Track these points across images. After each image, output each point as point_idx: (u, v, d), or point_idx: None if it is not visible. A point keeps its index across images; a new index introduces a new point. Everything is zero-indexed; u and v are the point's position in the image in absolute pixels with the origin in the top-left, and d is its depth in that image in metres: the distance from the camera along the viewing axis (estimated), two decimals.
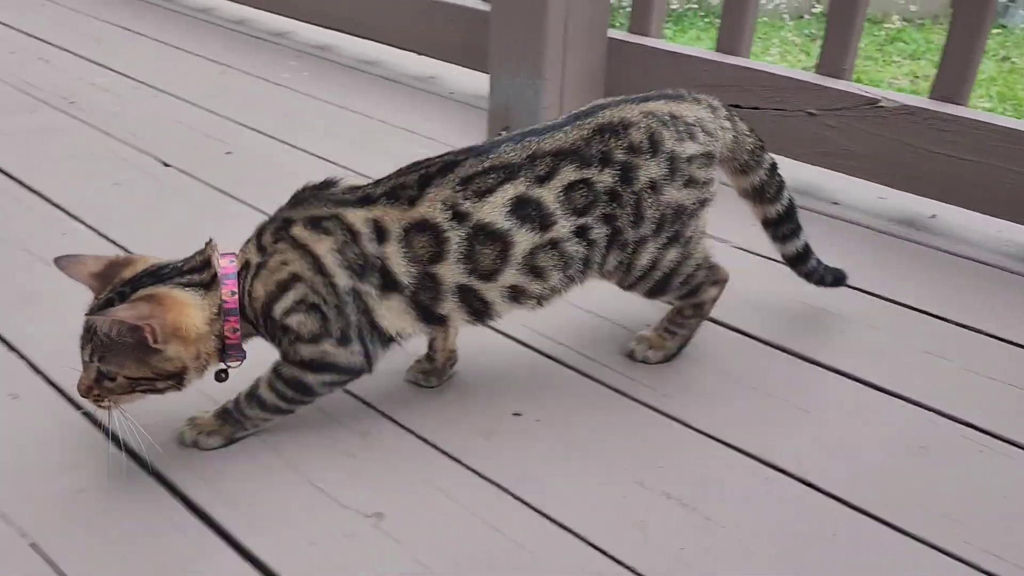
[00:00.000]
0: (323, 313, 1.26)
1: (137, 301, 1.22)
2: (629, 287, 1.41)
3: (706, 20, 5.52)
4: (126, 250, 1.79)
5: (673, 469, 1.29)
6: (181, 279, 1.26)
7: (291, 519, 1.21)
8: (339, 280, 1.26)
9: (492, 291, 1.30)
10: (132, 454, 1.30)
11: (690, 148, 1.35)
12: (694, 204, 1.37)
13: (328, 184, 1.33)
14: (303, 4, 3.13)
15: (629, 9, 2.34)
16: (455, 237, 1.26)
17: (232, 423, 1.34)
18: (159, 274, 1.27)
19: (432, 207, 1.27)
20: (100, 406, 1.24)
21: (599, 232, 1.32)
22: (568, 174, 1.29)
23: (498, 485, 1.26)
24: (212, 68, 2.92)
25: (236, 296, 1.26)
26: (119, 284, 1.26)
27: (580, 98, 2.10)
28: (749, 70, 2.08)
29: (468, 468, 1.29)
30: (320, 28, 3.19)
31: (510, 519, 1.21)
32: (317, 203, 1.29)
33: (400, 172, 1.32)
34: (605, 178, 1.31)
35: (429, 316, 1.31)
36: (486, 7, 2.40)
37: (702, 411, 1.40)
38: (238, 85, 2.78)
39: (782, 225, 1.54)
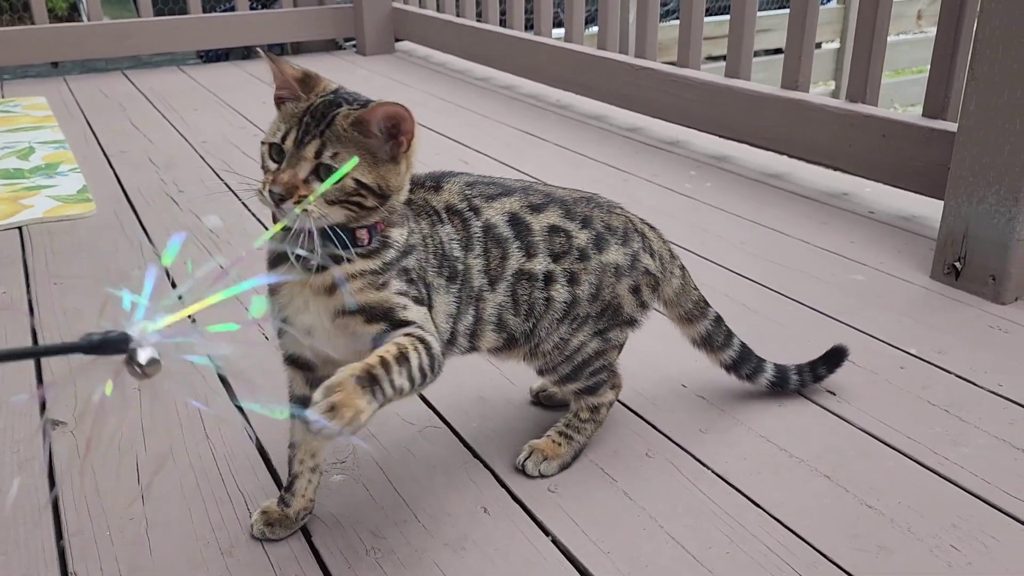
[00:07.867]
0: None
1: (388, 104, 1.11)
2: (551, 368, 1.39)
3: None
4: None
5: None
6: None
7: None
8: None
9: (489, 305, 1.30)
10: None
11: (649, 263, 1.43)
12: (629, 314, 1.41)
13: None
14: (700, 115, 3.18)
15: None
16: (475, 226, 1.29)
17: None
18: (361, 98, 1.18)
19: (452, 196, 1.30)
20: (299, 207, 1.07)
21: (560, 290, 1.34)
22: (554, 216, 1.35)
23: None
24: (616, 175, 3.03)
25: None
26: (331, 92, 1.16)
27: None
28: None
29: None
30: (716, 138, 3.23)
31: None
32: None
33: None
34: (582, 237, 1.35)
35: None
36: (946, 125, 2.28)
37: None
38: (642, 192, 2.85)
39: (742, 367, 1.57)
